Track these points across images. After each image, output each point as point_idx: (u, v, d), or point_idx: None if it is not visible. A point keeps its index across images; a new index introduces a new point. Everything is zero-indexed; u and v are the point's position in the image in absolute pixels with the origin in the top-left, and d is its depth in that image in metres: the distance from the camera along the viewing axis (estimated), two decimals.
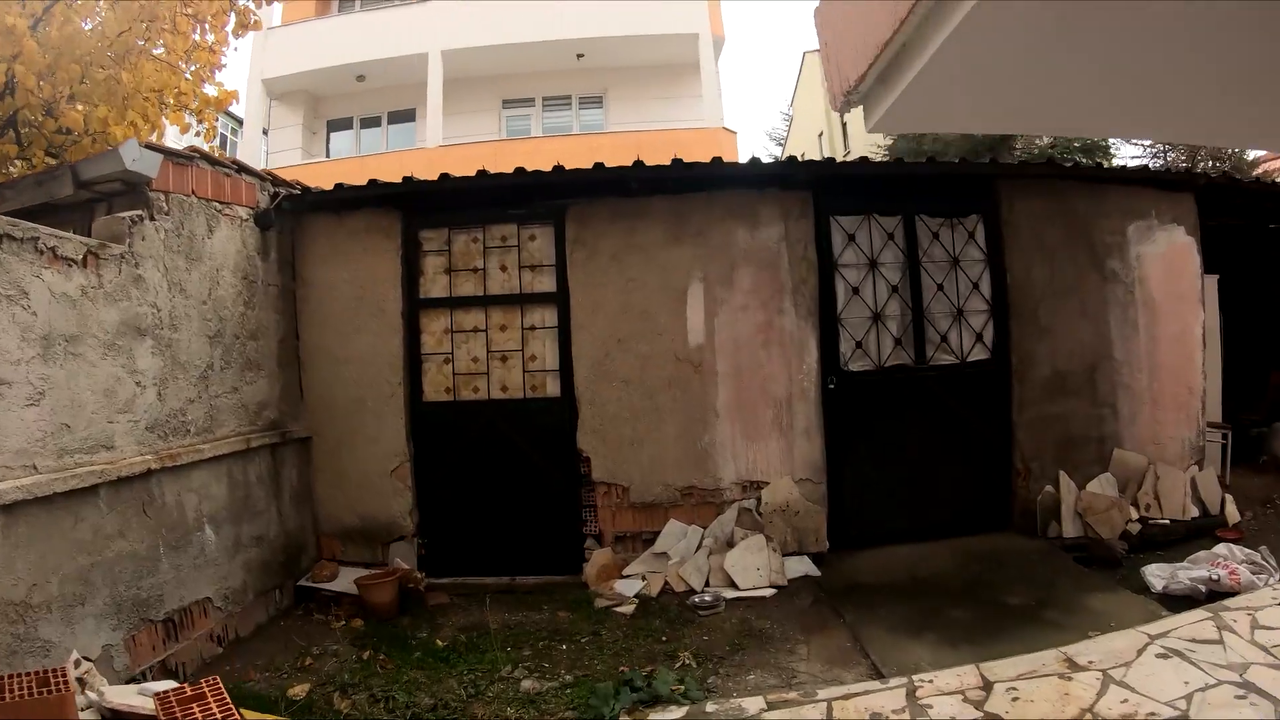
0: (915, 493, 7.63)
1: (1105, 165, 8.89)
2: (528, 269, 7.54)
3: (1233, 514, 8.29)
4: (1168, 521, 7.93)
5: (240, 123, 20.69)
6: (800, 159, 7.38)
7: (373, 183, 7.38)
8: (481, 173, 7.14)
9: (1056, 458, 8.03)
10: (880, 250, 7.65)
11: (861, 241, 7.59)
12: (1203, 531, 7.56)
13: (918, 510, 7.63)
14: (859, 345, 7.61)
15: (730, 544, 7.24)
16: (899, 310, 7.68)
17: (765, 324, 7.49)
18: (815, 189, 7.39)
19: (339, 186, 7.47)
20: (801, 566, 7.14)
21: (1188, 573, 6.27)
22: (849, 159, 7.90)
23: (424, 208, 7.47)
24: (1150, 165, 8.76)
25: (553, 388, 7.41)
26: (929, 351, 7.76)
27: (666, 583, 6.91)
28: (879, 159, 7.67)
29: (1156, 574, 6.49)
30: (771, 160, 7.10)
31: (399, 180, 7.36)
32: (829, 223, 7.34)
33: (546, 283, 7.49)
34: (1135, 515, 7.86)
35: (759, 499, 7.34)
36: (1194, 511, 8.16)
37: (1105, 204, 8.28)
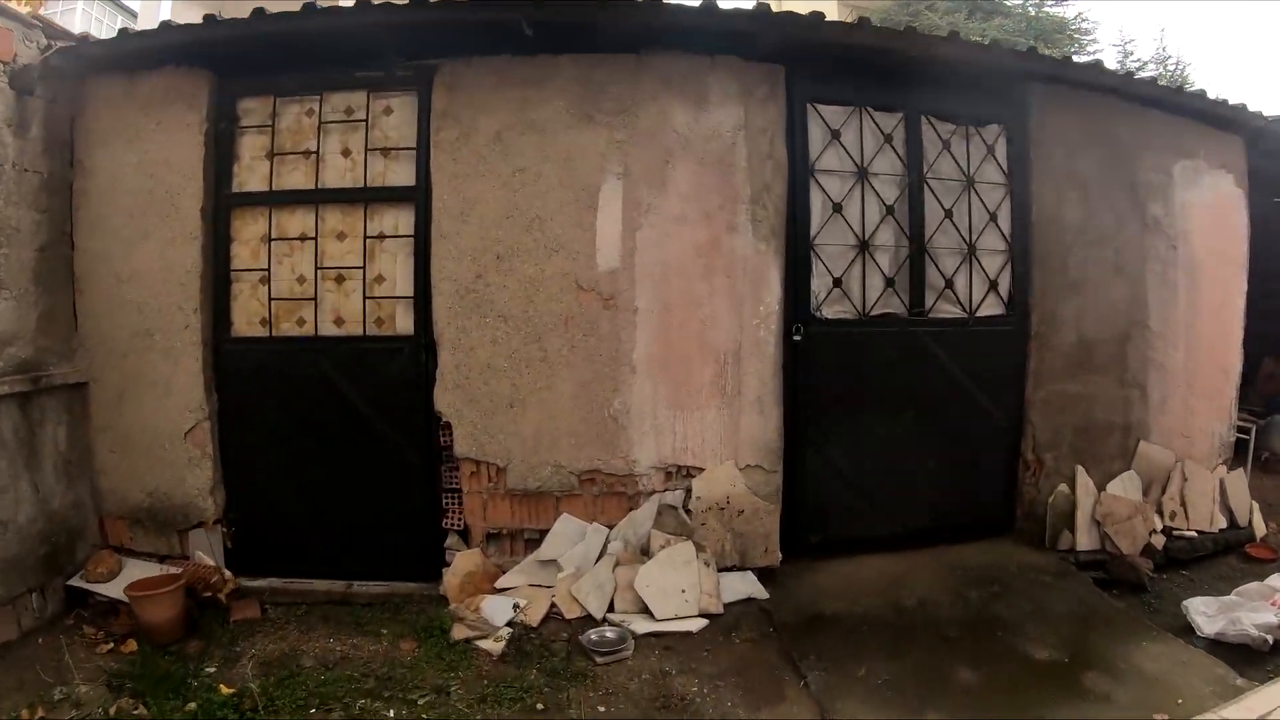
0: (898, 486, 5.12)
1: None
2: (379, 154, 4.84)
3: (1259, 525, 6.07)
4: (1194, 534, 5.71)
5: None
6: (771, 10, 4.57)
7: (166, 25, 4.67)
8: (309, 7, 4.38)
9: (1074, 449, 5.53)
10: (873, 157, 5.04)
11: (849, 142, 5.00)
12: (1230, 547, 5.68)
13: (900, 509, 5.14)
14: (838, 283, 4.98)
15: (646, 552, 4.69)
16: (893, 240, 5.09)
17: (709, 245, 4.73)
18: (789, 63, 4.73)
19: (124, 33, 4.69)
20: (744, 586, 4.64)
21: (1251, 617, 4.15)
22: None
23: (242, 67, 4.71)
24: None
25: (404, 323, 4.83)
26: (929, 299, 5.15)
27: (554, 605, 4.43)
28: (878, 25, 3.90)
29: (1202, 612, 4.39)
30: (731, 11, 4.44)
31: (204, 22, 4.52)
32: (805, 112, 4.93)
33: (403, 174, 4.80)
34: (1159, 524, 5.57)
35: (688, 491, 4.74)
36: (1222, 522, 5.91)
37: (1150, 134, 5.76)
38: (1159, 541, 5.34)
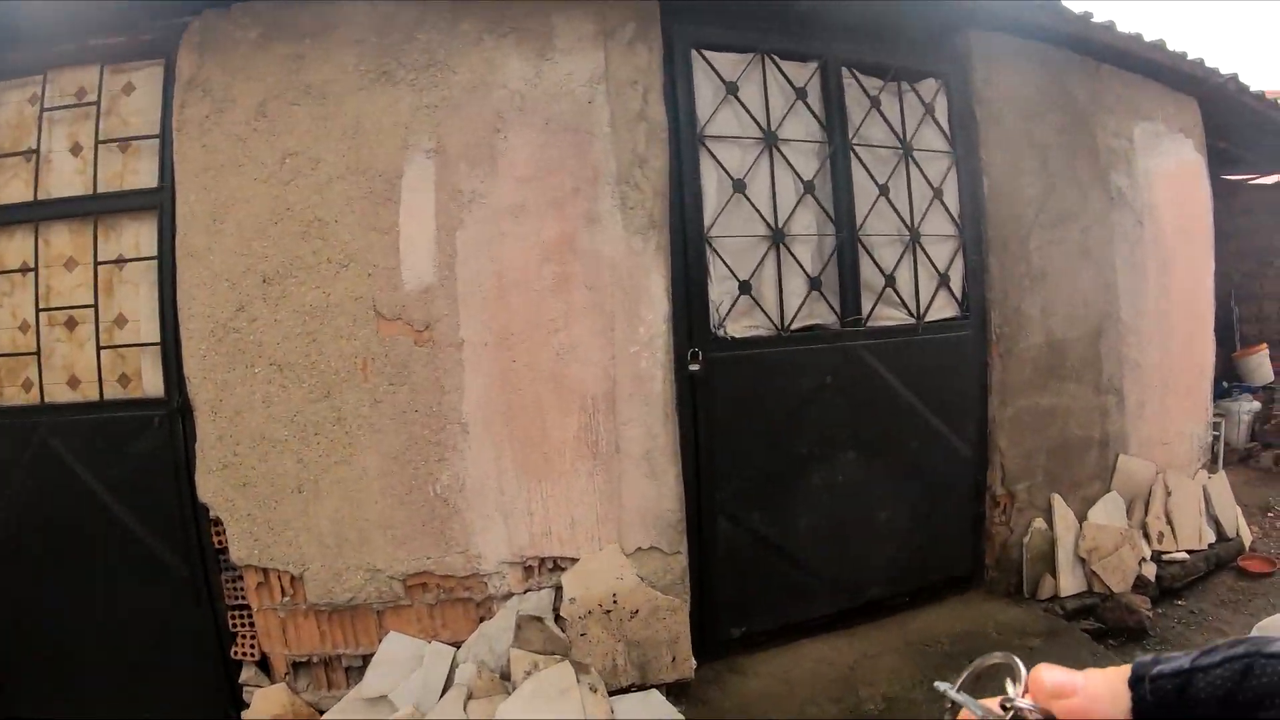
0: (842, 548, 3.47)
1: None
2: (116, 147, 3.08)
3: (1245, 533, 4.79)
4: (1185, 555, 4.33)
5: None
6: None
7: None
8: None
9: (1049, 474, 4.03)
10: (783, 119, 3.37)
11: (751, 100, 3.33)
12: (1223, 562, 4.43)
13: (846, 576, 3.50)
14: (746, 289, 3.26)
15: (507, 676, 2.91)
16: (815, 227, 3.45)
17: (561, 244, 3.00)
18: None
19: None
20: (649, 711, 2.90)
21: None
22: None
23: None
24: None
25: (153, 380, 3.11)
26: (866, 303, 3.51)
27: None
28: None
29: None
30: None
31: None
32: (690, 60, 3.32)
33: (146, 173, 3.05)
34: (1147, 550, 4.19)
35: (558, 591, 3.05)
36: (1210, 535, 4.58)
37: (1107, 94, 4.35)
38: (1150, 571, 4.12)
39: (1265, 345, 7.78)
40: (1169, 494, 4.60)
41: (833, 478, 3.34)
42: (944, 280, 3.62)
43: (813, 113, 3.34)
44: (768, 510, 3.25)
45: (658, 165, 3.01)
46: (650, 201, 2.99)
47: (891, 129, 3.54)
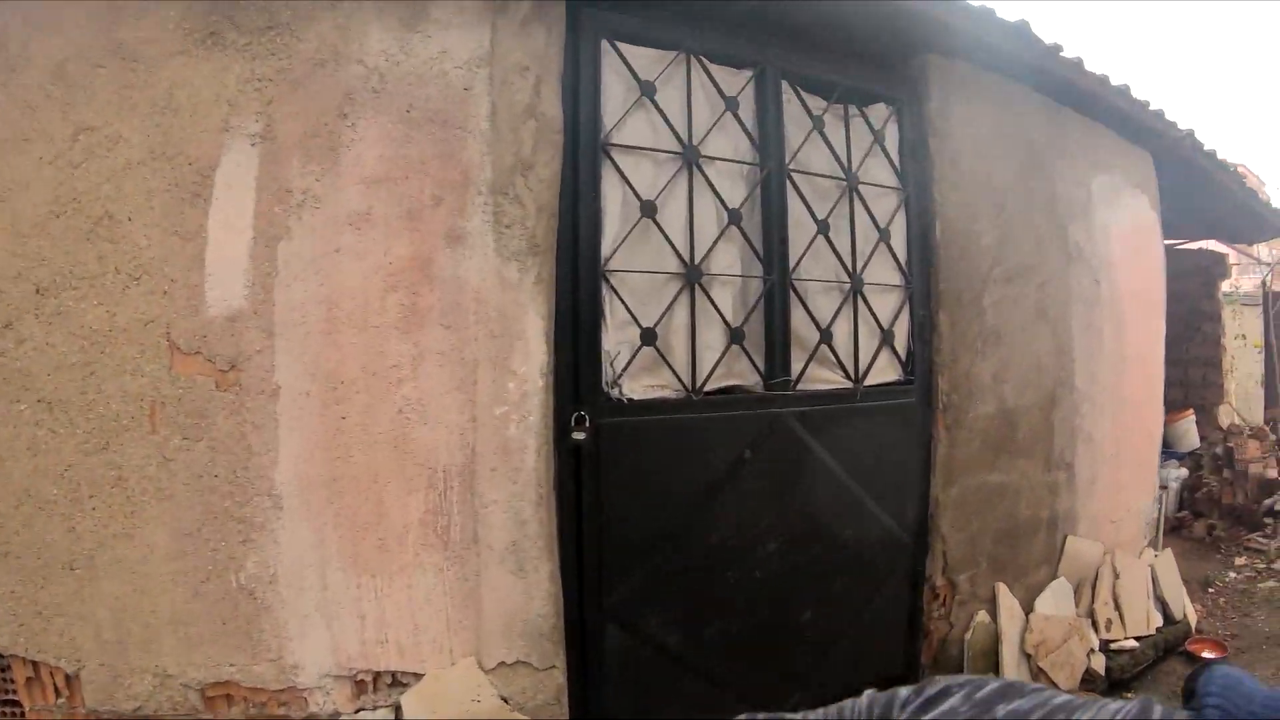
0: (759, 657, 2.73)
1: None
2: None
3: (1191, 612, 4.32)
4: (1134, 644, 3.85)
5: None
6: None
7: None
8: None
9: (994, 561, 3.43)
10: (707, 133, 2.67)
11: (670, 106, 2.61)
12: (1171, 648, 4.01)
13: (764, 684, 2.71)
14: (650, 339, 2.48)
15: None
16: (740, 266, 2.76)
17: (414, 268, 2.22)
18: None
19: None
20: None
21: None
22: None
23: None
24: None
25: None
26: (797, 363, 2.81)
27: None
28: None
29: None
30: None
31: None
32: (599, 51, 2.56)
33: None
34: (1095, 641, 3.68)
35: (397, 713, 2.20)
36: (1158, 619, 4.09)
37: (1067, 140, 3.88)
38: (1099, 663, 3.65)
39: (1191, 410, 7.53)
40: (1117, 577, 4.14)
41: (750, 573, 2.68)
42: (887, 338, 3.03)
43: (744, 128, 2.71)
44: (670, 614, 2.56)
45: (546, 175, 2.33)
46: (533, 220, 2.30)
47: (835, 157, 2.95)
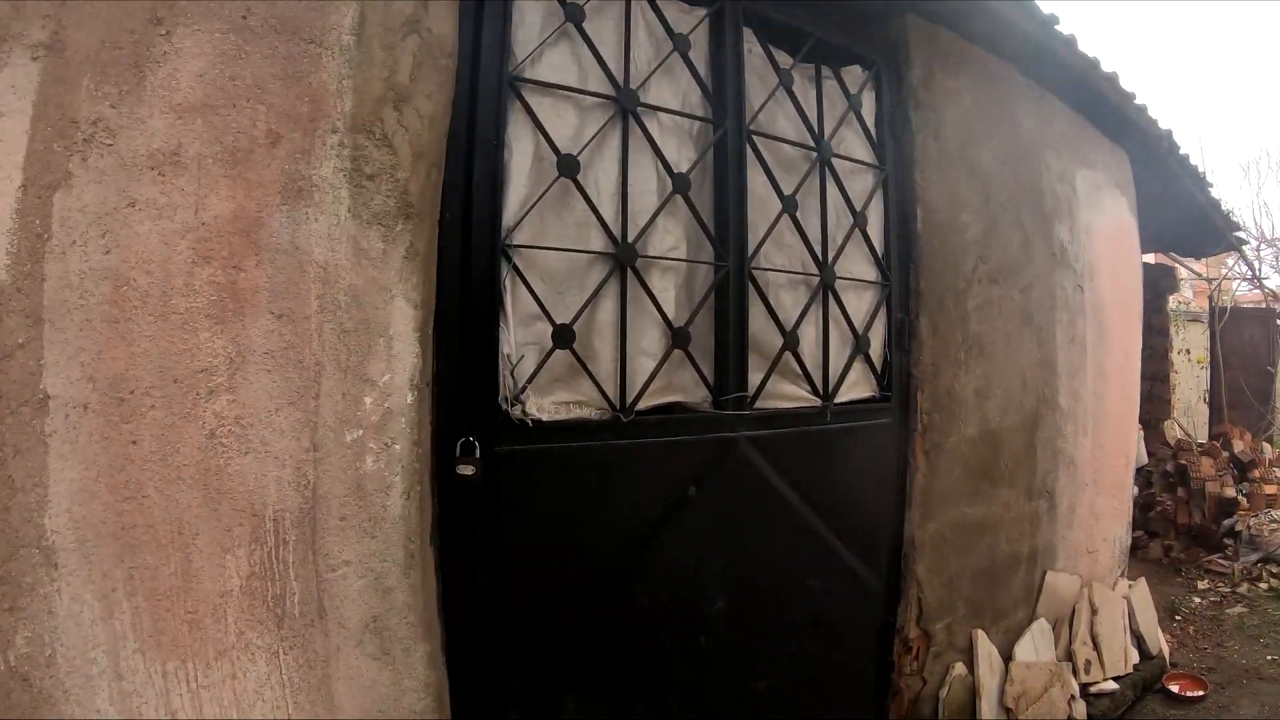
0: None
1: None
2: None
3: (1164, 645, 3.87)
4: (1113, 686, 3.43)
5: None
6: None
7: None
8: None
9: (972, 605, 2.88)
10: (648, 76, 1.99)
11: (603, 38, 1.91)
12: (1148, 685, 3.61)
13: None
14: (564, 340, 1.78)
15: None
16: (685, 247, 2.06)
17: (236, 231, 1.51)
18: None
19: None
20: None
21: None
22: None
23: None
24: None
25: None
26: (755, 374, 2.12)
27: None
28: None
29: None
30: None
31: None
32: None
33: None
34: (1075, 686, 3.19)
35: None
36: (1134, 655, 3.66)
37: (1053, 129, 3.38)
38: (1081, 710, 3.21)
39: (1141, 427, 7.24)
40: (1095, 612, 3.68)
41: (693, 638, 2.06)
42: (861, 345, 2.45)
43: (696, 76, 2.10)
44: (592, 695, 1.93)
45: (429, 110, 1.67)
46: (407, 171, 1.65)
47: (805, 122, 2.37)
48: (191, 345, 1.54)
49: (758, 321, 2.16)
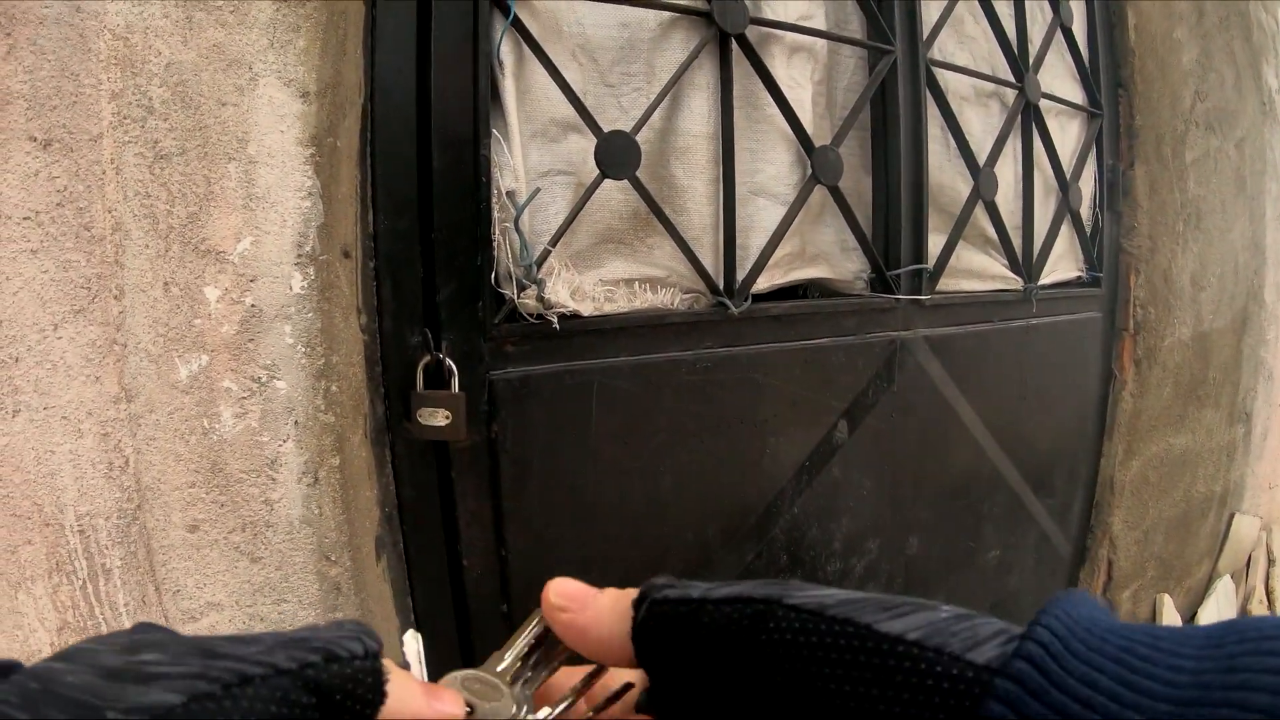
0: None
1: None
2: None
3: None
4: None
5: None
6: None
7: None
8: None
9: (1161, 564, 1.80)
10: None
11: None
12: None
13: None
14: (615, 159, 0.78)
15: None
16: (821, 15, 0.96)
17: None
18: None
19: None
20: None
21: None
22: None
23: None
24: None
25: None
26: (933, 244, 1.06)
27: None
28: None
29: None
30: None
31: None
32: None
33: None
34: None
35: None
36: None
37: None
38: None
39: None
40: (1272, 563, 2.66)
41: None
42: (1072, 200, 1.43)
43: None
44: None
45: None
46: None
47: None
48: None
49: (934, 154, 1.15)
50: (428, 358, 0.76)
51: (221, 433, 0.70)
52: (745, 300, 0.90)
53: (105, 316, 0.68)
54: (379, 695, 0.21)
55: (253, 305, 0.68)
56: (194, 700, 0.18)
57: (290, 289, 0.69)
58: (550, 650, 0.27)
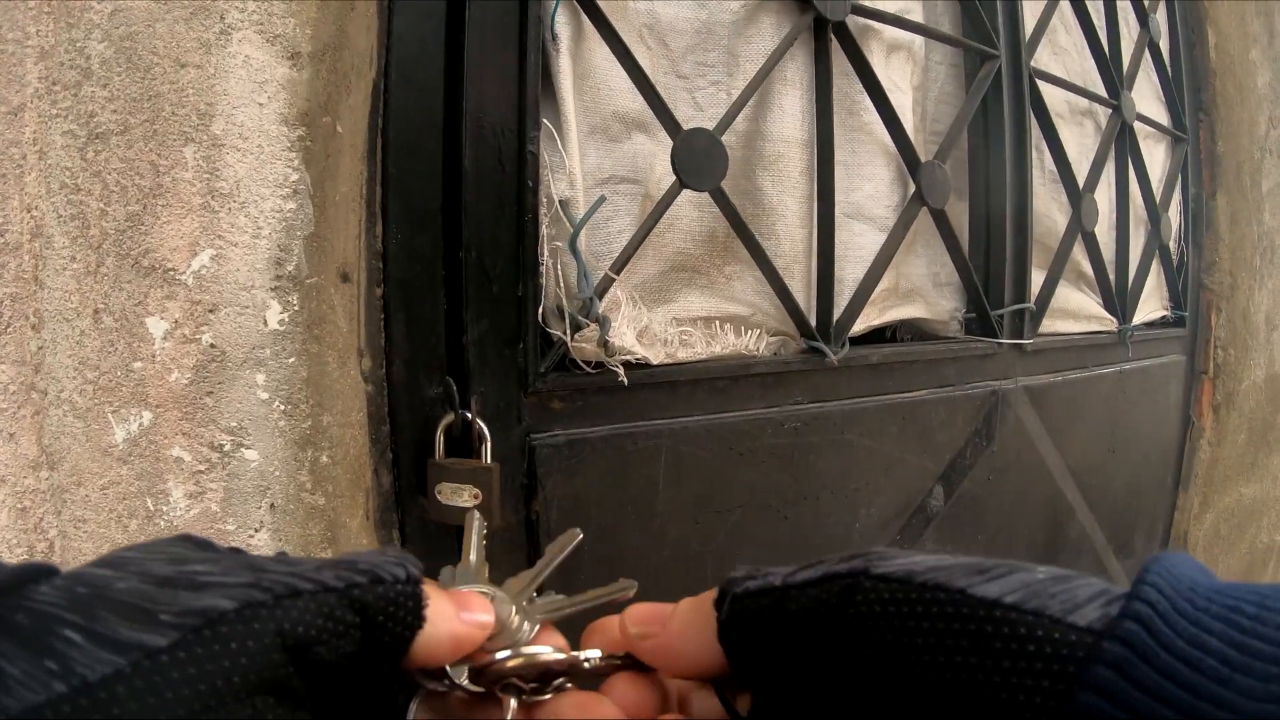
0: None
1: None
2: None
3: None
4: None
5: None
6: None
7: None
8: None
9: None
10: None
11: None
12: None
13: None
14: (689, 165, 0.53)
15: None
16: (918, 9, 0.72)
17: None
18: None
19: None
20: None
21: None
22: None
23: None
24: None
25: None
26: (1037, 280, 0.82)
27: None
28: None
29: None
30: None
31: None
32: None
33: None
34: None
35: None
36: None
37: None
38: None
39: None
40: None
41: None
42: (1162, 232, 1.21)
43: None
44: None
45: None
46: None
47: None
48: None
49: (1041, 183, 0.94)
50: (451, 417, 0.55)
51: (171, 517, 0.49)
52: (843, 346, 0.69)
53: (20, 353, 0.47)
54: (418, 619, 0.21)
55: (212, 345, 0.47)
56: (247, 608, 0.18)
57: (265, 323, 0.48)
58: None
